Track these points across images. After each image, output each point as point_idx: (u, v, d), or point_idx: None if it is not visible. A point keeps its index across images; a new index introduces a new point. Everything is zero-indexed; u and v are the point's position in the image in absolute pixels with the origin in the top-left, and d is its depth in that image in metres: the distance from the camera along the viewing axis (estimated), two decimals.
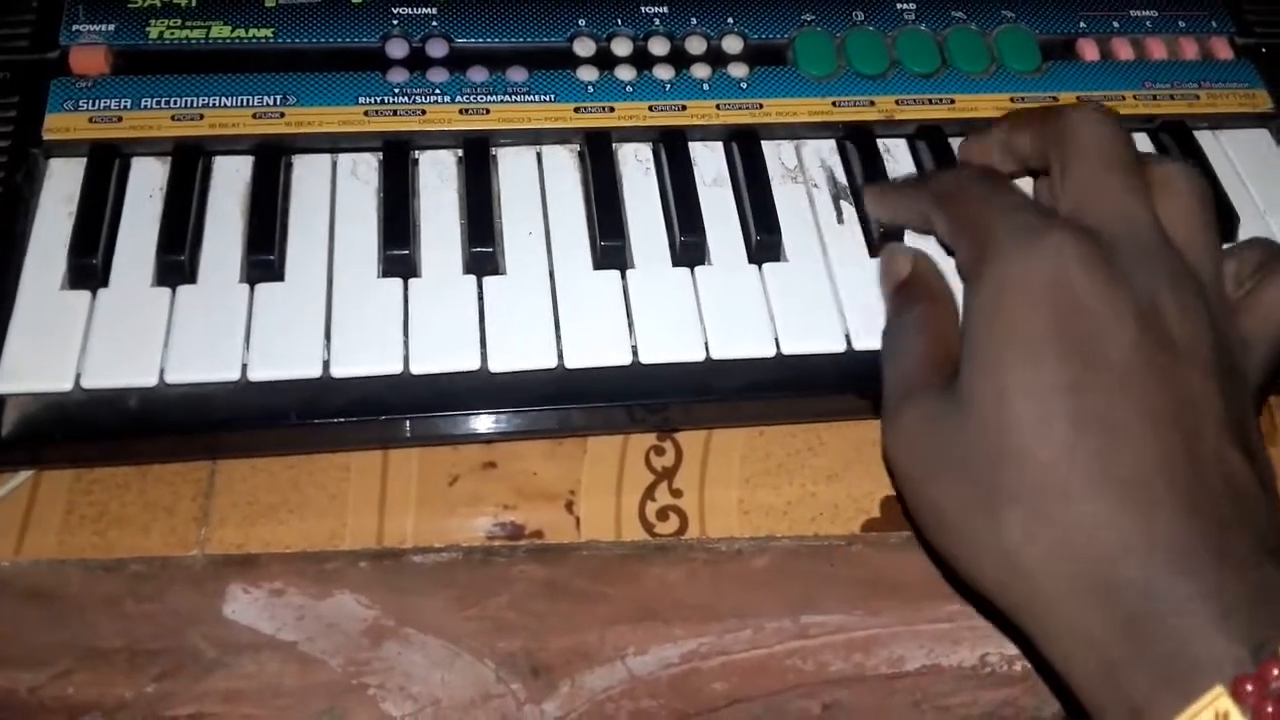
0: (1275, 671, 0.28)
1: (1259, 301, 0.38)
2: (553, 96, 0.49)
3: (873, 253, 0.47)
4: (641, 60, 0.50)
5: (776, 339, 0.44)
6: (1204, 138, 0.53)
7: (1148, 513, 0.31)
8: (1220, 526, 0.31)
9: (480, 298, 0.43)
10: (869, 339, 0.44)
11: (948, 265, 0.43)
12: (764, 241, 0.46)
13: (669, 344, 0.43)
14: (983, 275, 0.35)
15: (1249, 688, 0.28)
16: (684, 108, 0.49)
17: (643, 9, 0.52)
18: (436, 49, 0.49)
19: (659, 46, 0.51)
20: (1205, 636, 0.29)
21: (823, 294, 0.45)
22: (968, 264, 0.37)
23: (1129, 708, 0.30)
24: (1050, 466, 0.32)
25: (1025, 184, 0.45)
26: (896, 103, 0.51)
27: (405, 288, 0.43)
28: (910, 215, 0.45)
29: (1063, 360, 0.32)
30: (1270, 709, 0.27)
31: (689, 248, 0.46)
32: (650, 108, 0.49)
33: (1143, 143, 0.52)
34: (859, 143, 0.50)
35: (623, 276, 0.45)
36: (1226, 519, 0.31)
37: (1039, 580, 0.32)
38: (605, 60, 0.50)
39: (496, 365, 0.42)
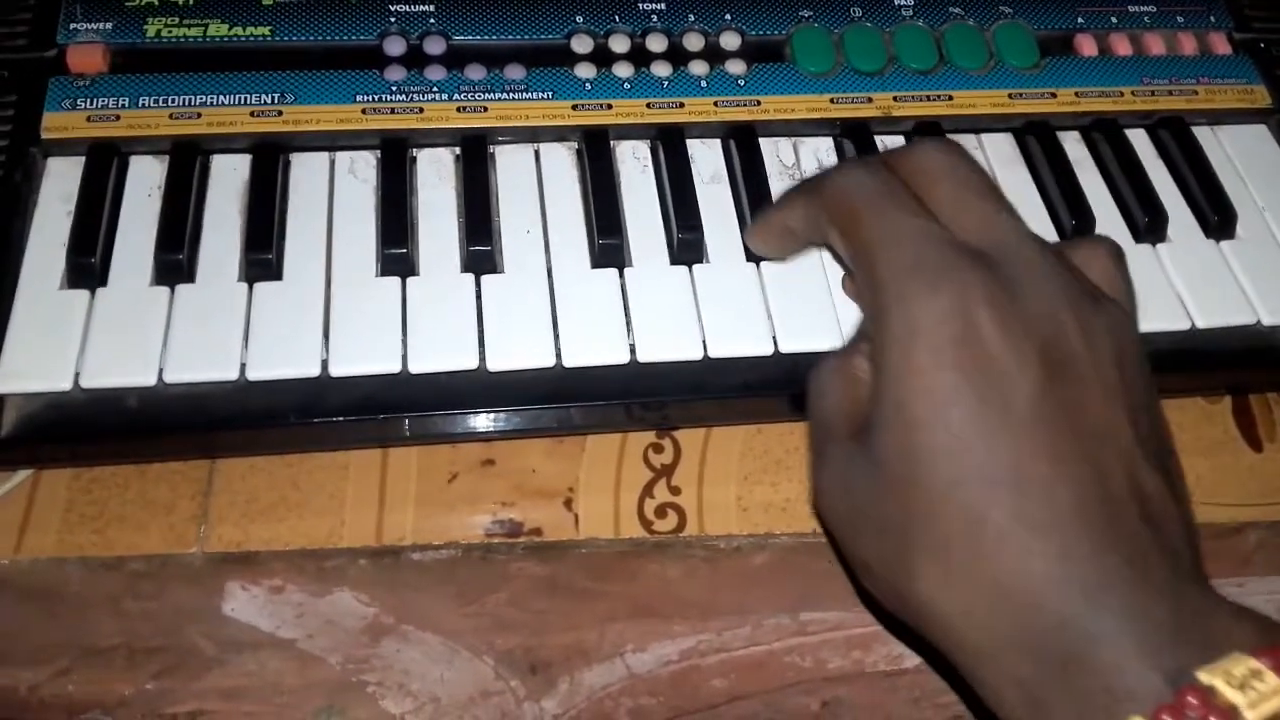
0: (1192, 700, 0.27)
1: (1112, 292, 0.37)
2: (550, 94, 0.49)
3: None
4: (639, 57, 0.50)
5: (774, 337, 0.44)
6: (1202, 134, 0.53)
7: (1063, 555, 0.31)
8: (1137, 556, 0.31)
9: (478, 296, 0.43)
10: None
11: None
12: None
13: (667, 342, 0.43)
14: (888, 323, 0.34)
15: (1167, 718, 0.27)
16: (682, 105, 0.49)
17: (640, 6, 0.51)
18: (434, 46, 0.49)
19: (657, 43, 0.51)
20: (1125, 669, 0.29)
21: (820, 292, 0.45)
22: (867, 296, 0.36)
23: None
24: (961, 523, 0.32)
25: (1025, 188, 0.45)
26: (894, 99, 0.51)
27: (403, 286, 0.43)
28: (795, 243, 0.43)
29: (970, 416, 0.32)
30: None
31: (687, 245, 0.46)
32: (648, 105, 0.49)
33: (1140, 139, 0.52)
34: (857, 140, 0.50)
35: (621, 275, 0.45)
36: (1143, 548, 0.31)
37: (962, 630, 0.32)
38: (603, 57, 0.50)
39: (495, 364, 0.42)
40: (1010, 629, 0.31)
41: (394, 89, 0.48)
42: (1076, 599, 0.30)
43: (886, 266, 0.35)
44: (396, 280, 0.43)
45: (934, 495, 0.32)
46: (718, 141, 0.50)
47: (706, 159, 0.49)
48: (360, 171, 0.47)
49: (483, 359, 0.42)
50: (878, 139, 0.50)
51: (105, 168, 0.45)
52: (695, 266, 0.45)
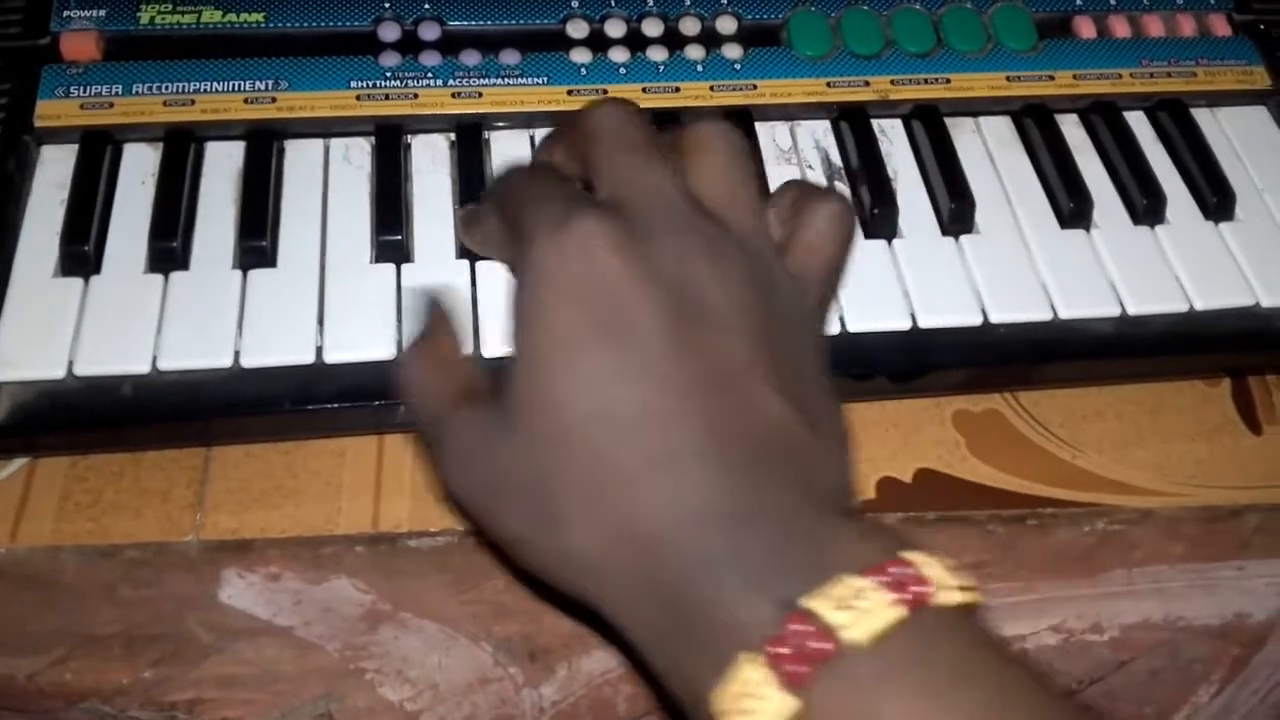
0: (796, 627, 0.27)
1: (798, 242, 0.38)
2: (546, 79, 0.48)
3: (867, 234, 0.47)
4: (635, 42, 0.50)
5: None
6: (1202, 115, 0.53)
7: (676, 490, 0.30)
8: (759, 486, 0.30)
9: (474, 282, 0.43)
10: (863, 321, 0.44)
11: None
12: None
13: None
14: (521, 274, 0.34)
15: (773, 648, 0.27)
16: (678, 89, 0.49)
17: None
18: (428, 32, 0.49)
19: (652, 28, 0.50)
20: (737, 601, 0.28)
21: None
22: (511, 267, 0.36)
23: (689, 692, 0.29)
24: (595, 463, 0.31)
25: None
26: (892, 83, 0.50)
27: (398, 272, 0.43)
28: (490, 241, 0.43)
29: (597, 355, 0.32)
30: (793, 667, 0.26)
31: None
32: (644, 90, 0.49)
33: (1139, 121, 0.52)
34: (854, 123, 0.50)
35: None
36: (761, 476, 0.31)
37: (607, 578, 0.31)
38: (598, 42, 0.50)
39: (490, 349, 0.42)
40: (638, 568, 0.31)
41: (388, 75, 0.48)
42: (689, 531, 0.30)
43: (523, 220, 0.35)
44: (391, 266, 0.43)
45: (567, 436, 0.32)
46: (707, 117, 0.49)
47: None
48: (355, 158, 0.47)
49: (478, 344, 0.42)
50: (875, 122, 0.50)
51: (99, 155, 0.45)
52: None
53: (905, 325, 0.44)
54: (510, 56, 0.49)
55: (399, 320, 0.42)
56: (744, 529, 0.30)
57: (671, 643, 0.30)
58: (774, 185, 0.46)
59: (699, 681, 0.28)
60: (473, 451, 0.34)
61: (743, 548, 0.29)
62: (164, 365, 0.40)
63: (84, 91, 0.46)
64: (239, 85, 0.47)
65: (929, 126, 0.50)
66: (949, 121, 0.50)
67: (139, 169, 0.45)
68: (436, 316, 0.39)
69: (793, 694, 0.26)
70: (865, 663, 0.26)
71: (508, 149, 0.48)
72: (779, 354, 0.33)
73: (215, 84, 0.46)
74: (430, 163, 0.47)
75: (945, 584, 0.28)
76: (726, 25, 0.51)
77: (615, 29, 0.50)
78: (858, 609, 0.27)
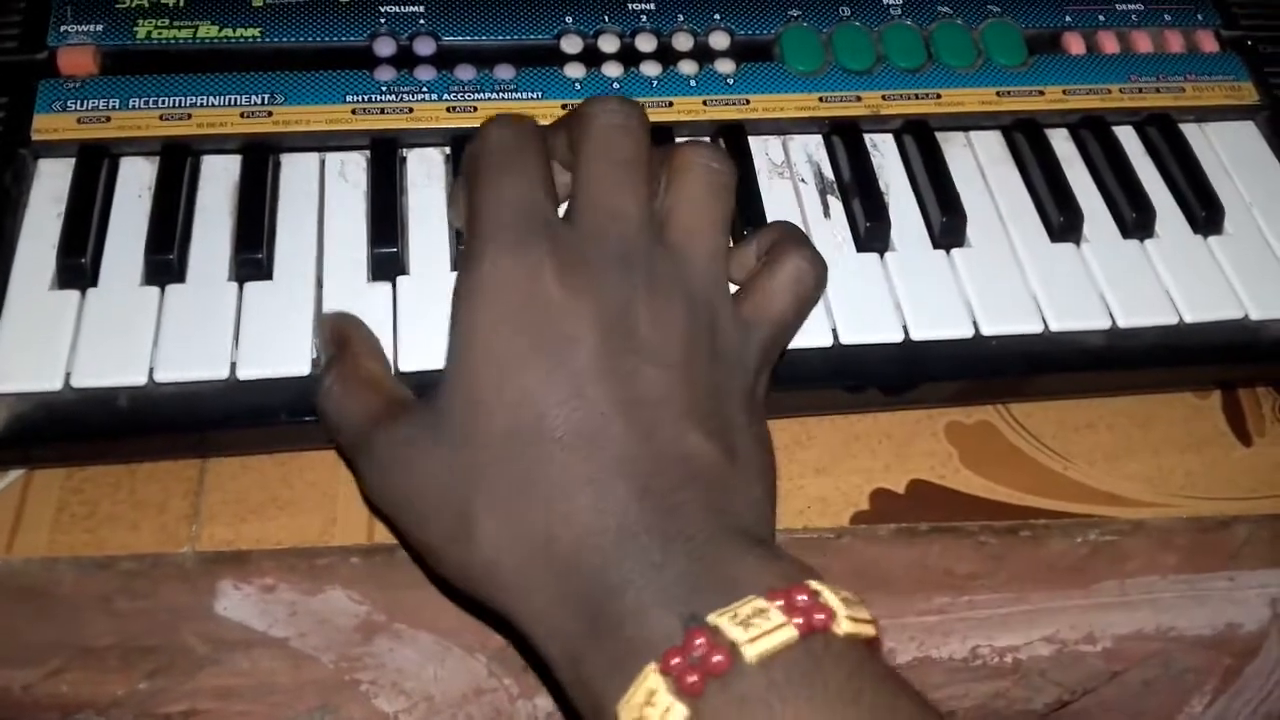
0: (698, 641, 0.28)
1: (760, 286, 0.39)
2: (540, 94, 0.49)
3: (859, 247, 0.47)
4: (628, 57, 0.50)
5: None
6: (1190, 130, 0.53)
7: (598, 508, 0.31)
8: (670, 509, 0.32)
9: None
10: (856, 334, 0.44)
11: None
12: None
13: None
14: (464, 278, 0.35)
15: (675, 660, 0.28)
16: (671, 104, 0.49)
17: (629, 6, 0.52)
18: (424, 47, 0.49)
19: (646, 43, 0.51)
20: (645, 617, 0.30)
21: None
22: (462, 259, 0.37)
23: (592, 703, 0.30)
24: (517, 476, 0.32)
25: None
26: (883, 98, 0.51)
27: (394, 285, 0.43)
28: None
29: (530, 375, 0.33)
30: (692, 678, 0.27)
31: None
32: None
33: (1128, 136, 0.53)
34: (846, 138, 0.50)
35: None
36: (679, 502, 0.32)
37: (521, 590, 0.32)
38: (592, 57, 0.50)
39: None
40: (554, 583, 0.32)
41: (384, 89, 0.48)
42: (607, 550, 0.31)
43: (480, 225, 0.36)
44: (387, 279, 0.43)
45: (492, 449, 0.33)
46: (707, 140, 0.50)
47: None
48: (350, 172, 0.47)
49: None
50: (867, 137, 0.50)
51: (95, 169, 0.45)
52: None
53: (898, 338, 0.44)
54: (505, 71, 0.49)
55: (394, 332, 0.42)
56: (659, 550, 0.31)
57: (583, 656, 0.31)
58: (768, 200, 0.48)
59: (607, 695, 0.29)
60: (394, 462, 0.35)
61: (657, 568, 0.30)
62: (160, 377, 0.40)
63: (81, 105, 0.46)
64: (235, 99, 0.47)
65: (920, 141, 0.50)
66: (940, 136, 0.51)
67: (135, 182, 0.46)
68: (353, 331, 0.40)
69: (685, 702, 0.27)
70: (757, 678, 0.28)
71: None
72: (700, 390, 0.35)
73: (211, 98, 0.47)
74: (425, 176, 0.47)
75: (843, 614, 0.29)
76: (719, 41, 0.52)
77: (609, 44, 0.51)
78: (757, 628, 0.28)
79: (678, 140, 0.43)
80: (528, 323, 0.34)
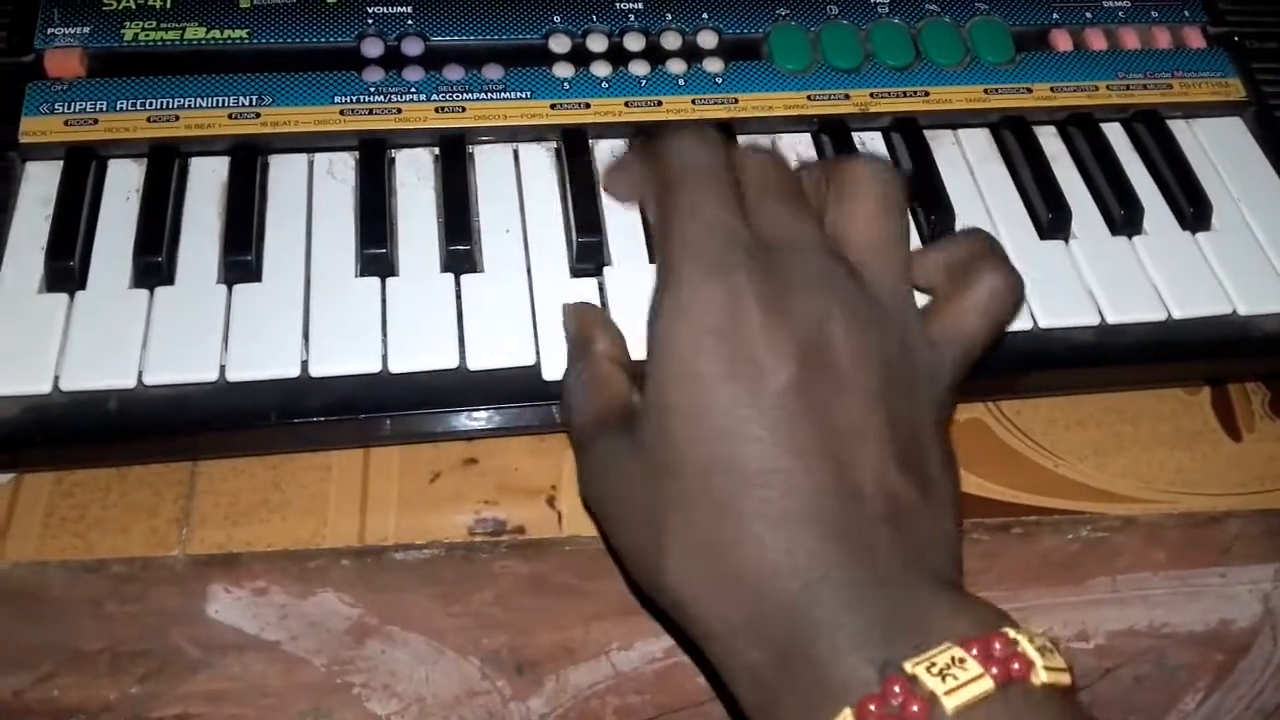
0: (895, 689, 0.28)
1: (952, 305, 0.38)
2: (529, 94, 0.49)
3: None
4: (617, 56, 0.50)
5: None
6: (1177, 127, 0.53)
7: (790, 546, 0.31)
8: (865, 553, 0.31)
9: (458, 295, 0.43)
10: None
11: None
12: None
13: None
14: (661, 303, 0.35)
15: (872, 707, 0.28)
16: (660, 103, 0.49)
17: (618, 5, 0.52)
18: (412, 48, 0.49)
19: (634, 43, 0.51)
20: (839, 660, 0.30)
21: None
22: (658, 273, 0.37)
23: None
24: (708, 510, 0.32)
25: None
26: (871, 96, 0.51)
27: (383, 286, 0.43)
28: (632, 193, 0.45)
29: (726, 402, 0.33)
30: None
31: None
32: (626, 104, 0.49)
33: (1116, 133, 0.53)
34: (834, 136, 0.50)
35: (600, 274, 0.45)
36: (872, 544, 0.32)
37: (704, 615, 0.33)
38: (581, 57, 0.50)
39: (475, 363, 0.42)
40: (743, 616, 0.32)
41: (372, 90, 0.48)
42: (799, 590, 0.31)
43: (675, 248, 0.36)
44: (376, 280, 0.43)
45: (685, 481, 0.33)
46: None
47: None
48: (339, 172, 0.47)
49: (463, 358, 0.42)
50: (855, 135, 0.51)
51: (83, 171, 0.45)
52: None
53: None
54: (493, 71, 0.49)
55: (383, 334, 0.42)
56: (851, 593, 0.31)
57: (771, 689, 0.31)
58: None
59: None
60: (603, 469, 0.36)
61: (849, 611, 0.30)
62: (150, 380, 0.40)
63: (68, 108, 0.46)
64: (223, 101, 0.47)
65: (908, 139, 0.50)
66: (928, 134, 0.51)
67: (124, 185, 0.46)
68: (598, 330, 0.41)
69: None
70: None
71: (491, 163, 0.48)
72: (897, 418, 0.34)
73: (199, 100, 0.47)
74: (414, 177, 0.47)
75: (1040, 664, 0.29)
76: (708, 40, 0.52)
77: (597, 44, 0.51)
78: (954, 678, 0.28)
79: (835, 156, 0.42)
80: (725, 349, 0.33)
